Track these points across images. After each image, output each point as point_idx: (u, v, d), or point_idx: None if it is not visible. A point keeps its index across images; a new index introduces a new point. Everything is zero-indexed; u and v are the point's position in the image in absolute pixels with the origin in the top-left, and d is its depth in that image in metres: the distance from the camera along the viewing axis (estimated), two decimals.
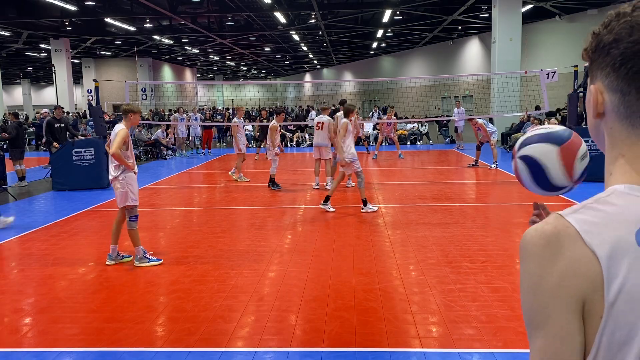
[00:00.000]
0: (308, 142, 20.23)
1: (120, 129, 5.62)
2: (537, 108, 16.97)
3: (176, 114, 19.93)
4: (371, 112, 25.76)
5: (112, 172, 5.68)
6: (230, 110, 30.46)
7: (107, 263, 5.77)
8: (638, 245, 0.76)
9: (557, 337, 0.79)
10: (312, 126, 10.82)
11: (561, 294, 0.78)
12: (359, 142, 19.90)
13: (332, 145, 10.48)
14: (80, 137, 11.65)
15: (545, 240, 0.81)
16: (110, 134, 6.10)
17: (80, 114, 29.98)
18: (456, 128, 18.86)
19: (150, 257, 5.79)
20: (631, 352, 0.75)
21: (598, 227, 0.79)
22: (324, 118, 10.29)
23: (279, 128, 10.96)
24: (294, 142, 20.79)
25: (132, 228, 5.72)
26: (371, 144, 19.73)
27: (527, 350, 3.55)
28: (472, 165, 13.33)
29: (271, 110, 22.22)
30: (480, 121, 12.86)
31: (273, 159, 10.61)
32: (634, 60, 0.80)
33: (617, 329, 0.76)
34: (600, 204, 0.83)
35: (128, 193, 5.67)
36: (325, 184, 10.44)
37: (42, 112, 16.43)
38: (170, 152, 18.88)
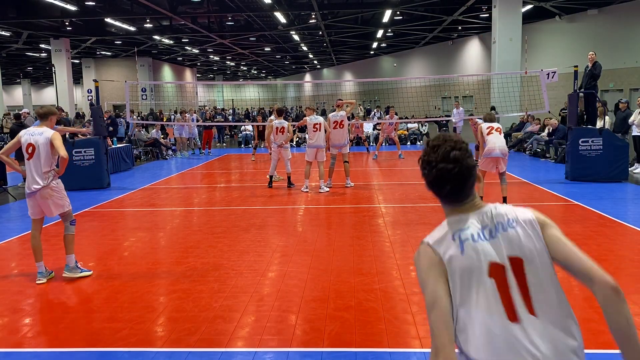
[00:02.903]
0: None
1: (52, 133, 5.24)
2: (493, 108, 17.05)
3: (178, 115, 19.95)
4: (372, 112, 25.74)
5: (41, 182, 5.20)
6: (230, 110, 30.47)
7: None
8: (452, 240, 1.64)
9: (435, 299, 1.58)
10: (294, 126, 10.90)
11: (429, 274, 1.63)
12: (358, 142, 19.95)
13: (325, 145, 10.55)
14: (80, 136, 11.64)
15: (417, 254, 1.70)
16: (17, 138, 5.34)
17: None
18: (454, 129, 18.84)
19: (82, 267, 5.47)
20: (468, 284, 1.59)
21: (434, 236, 1.69)
22: (319, 118, 10.32)
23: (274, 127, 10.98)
24: (294, 142, 20.78)
25: (72, 233, 5.38)
26: (371, 144, 19.73)
27: None
28: None
29: (270, 110, 22.22)
30: (479, 121, 12.85)
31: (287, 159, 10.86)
32: (432, 184, 1.67)
33: (455, 277, 1.60)
34: (439, 228, 1.71)
35: (64, 198, 5.37)
36: (320, 185, 10.35)
37: (22, 112, 16.22)
38: (170, 152, 18.90)
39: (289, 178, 10.95)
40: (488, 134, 8.15)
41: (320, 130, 10.23)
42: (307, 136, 10.69)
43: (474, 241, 1.61)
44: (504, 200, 8.05)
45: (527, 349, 1.52)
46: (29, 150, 5.27)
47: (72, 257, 5.39)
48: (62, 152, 5.14)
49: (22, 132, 5.40)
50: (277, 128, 10.62)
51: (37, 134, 5.27)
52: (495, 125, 8.31)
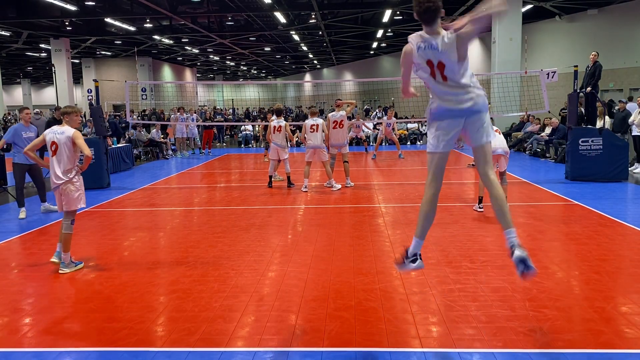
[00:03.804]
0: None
1: (73, 132, 5.56)
2: None
3: (177, 114, 19.92)
4: (375, 112, 25.73)
5: (63, 176, 5.54)
6: (231, 109, 30.43)
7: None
8: (418, 41, 3.47)
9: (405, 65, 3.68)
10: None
11: (405, 57, 3.58)
12: (358, 142, 19.95)
13: (325, 145, 10.58)
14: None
15: (405, 46, 3.56)
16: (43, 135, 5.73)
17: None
18: None
19: (75, 261, 5.71)
20: (419, 66, 3.54)
21: (413, 37, 3.50)
22: (318, 120, 10.39)
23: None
24: (294, 142, 20.78)
25: (70, 232, 5.62)
26: (371, 144, 19.73)
27: (527, 350, 3.55)
28: (472, 165, 13.33)
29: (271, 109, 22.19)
30: None
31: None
32: (419, 14, 3.43)
33: (415, 61, 3.53)
34: (417, 34, 3.51)
35: (82, 195, 5.68)
36: (326, 184, 10.43)
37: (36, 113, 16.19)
38: (170, 152, 18.90)
39: (288, 178, 10.97)
40: None
41: (317, 131, 10.31)
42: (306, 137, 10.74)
43: (425, 49, 3.39)
44: None
45: (443, 89, 3.47)
46: (53, 148, 5.60)
47: (68, 255, 5.62)
48: (87, 151, 5.54)
49: (47, 131, 5.74)
50: (274, 127, 10.65)
51: (59, 133, 5.62)
52: (494, 127, 8.46)
